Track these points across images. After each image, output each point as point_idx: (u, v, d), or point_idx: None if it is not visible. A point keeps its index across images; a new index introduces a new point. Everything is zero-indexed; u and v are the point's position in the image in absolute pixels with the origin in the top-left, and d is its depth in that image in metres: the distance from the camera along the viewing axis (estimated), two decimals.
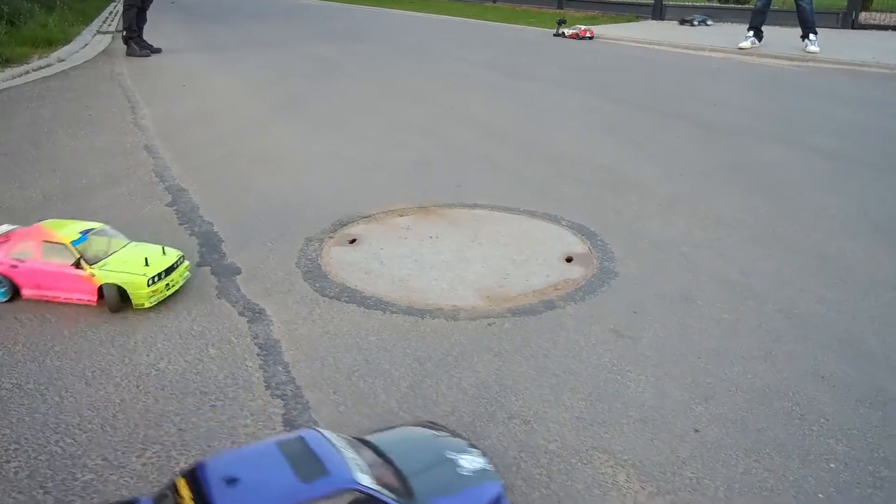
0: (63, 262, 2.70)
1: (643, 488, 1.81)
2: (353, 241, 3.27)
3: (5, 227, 2.98)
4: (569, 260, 3.10)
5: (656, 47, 11.10)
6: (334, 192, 3.98)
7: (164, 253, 2.81)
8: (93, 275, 2.66)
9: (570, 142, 5.21)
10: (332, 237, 3.33)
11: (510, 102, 6.79)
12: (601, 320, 2.61)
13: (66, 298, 2.73)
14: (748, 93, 7.44)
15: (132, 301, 2.67)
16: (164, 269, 2.73)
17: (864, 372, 2.32)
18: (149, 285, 2.66)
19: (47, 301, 2.75)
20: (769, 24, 10.52)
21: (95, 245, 2.77)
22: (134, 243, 2.89)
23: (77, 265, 2.68)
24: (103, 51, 9.92)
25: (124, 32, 9.35)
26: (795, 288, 2.90)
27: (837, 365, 2.36)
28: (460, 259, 3.08)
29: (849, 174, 4.44)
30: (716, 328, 2.58)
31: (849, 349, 2.45)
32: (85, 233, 2.79)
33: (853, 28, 12.55)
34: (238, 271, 3.00)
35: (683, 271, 3.04)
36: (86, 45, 10.39)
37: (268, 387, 2.21)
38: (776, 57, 9.69)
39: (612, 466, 1.89)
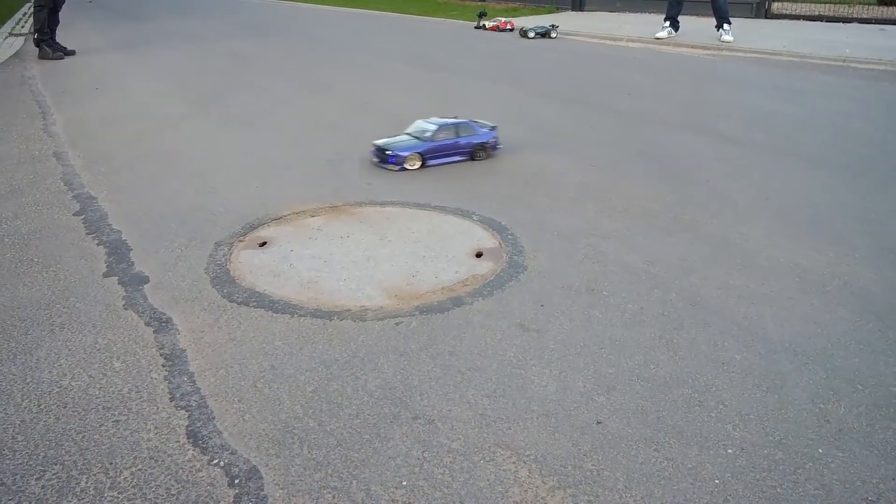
0: None
1: (544, 483, 1.84)
2: (263, 244, 3.25)
3: None
4: (478, 255, 3.13)
5: (575, 38, 11.22)
6: (246, 193, 3.94)
7: None
8: None
9: None
10: (242, 240, 3.30)
11: (427, 95, 6.80)
12: (508, 315, 2.64)
13: None
14: (663, 82, 7.58)
15: None
16: None
17: (761, 356, 2.39)
18: None
19: None
20: (685, 14, 10.72)
21: None
22: None
23: None
24: (15, 54, 9.63)
25: (36, 35, 9.10)
26: (699, 275, 2.97)
27: (736, 350, 2.42)
28: (370, 258, 3.08)
29: (753, 160, 4.56)
30: (620, 318, 2.63)
31: (748, 334, 2.52)
32: None
33: (766, 18, 12.87)
34: (146, 280, 2.96)
35: (590, 262, 3.08)
36: None
37: (172, 398, 2.19)
38: (692, 46, 9.88)
39: (514, 462, 1.91)
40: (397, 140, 4.48)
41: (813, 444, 1.98)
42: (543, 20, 12.79)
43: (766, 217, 3.59)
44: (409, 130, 4.60)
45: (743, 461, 1.92)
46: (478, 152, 4.56)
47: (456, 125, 4.54)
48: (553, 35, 11.31)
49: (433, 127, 4.49)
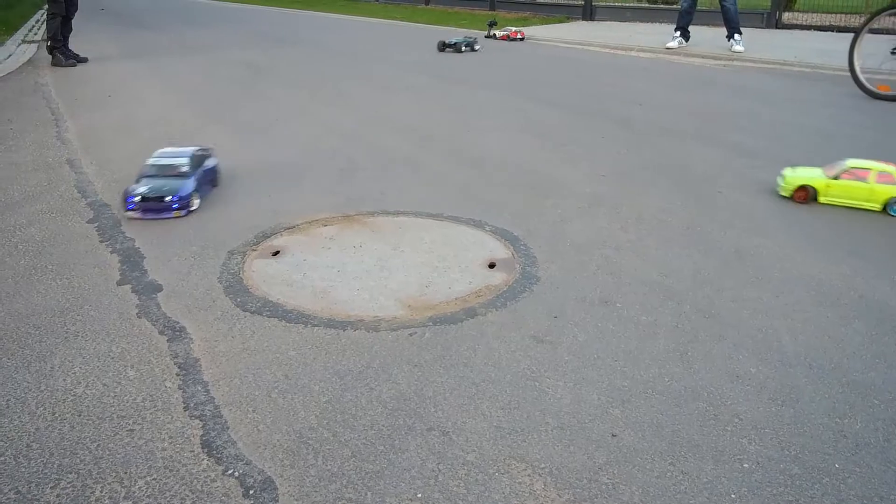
0: None
1: (560, 496, 1.83)
2: (276, 253, 3.25)
3: None
4: (491, 266, 3.13)
5: (586, 48, 11.22)
6: (259, 202, 3.95)
7: None
8: None
9: (496, 144, 5.24)
10: (255, 249, 3.30)
11: (438, 105, 6.81)
12: (522, 326, 2.64)
13: None
14: (674, 92, 7.57)
15: None
16: None
17: (776, 370, 2.38)
18: None
19: None
20: (696, 24, 10.72)
21: None
22: None
23: None
24: (28, 61, 9.67)
25: (49, 42, 9.15)
26: (713, 287, 2.96)
27: (751, 363, 2.41)
28: (383, 268, 3.08)
29: (765, 171, 4.54)
30: (634, 331, 2.62)
31: (762, 347, 2.51)
32: None
33: (777, 28, 12.85)
34: (159, 288, 2.96)
35: (604, 274, 3.08)
36: (10, 55, 10.13)
37: (186, 407, 2.19)
38: (702, 56, 9.88)
39: (529, 475, 1.90)
40: (160, 183, 3.80)
41: (830, 459, 1.97)
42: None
43: (779, 228, 3.58)
44: (152, 172, 3.90)
45: (759, 476, 1.91)
46: (215, 178, 4.22)
47: (198, 153, 4.11)
48: (477, 47, 10.78)
49: (185, 159, 3.96)
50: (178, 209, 3.74)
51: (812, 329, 2.64)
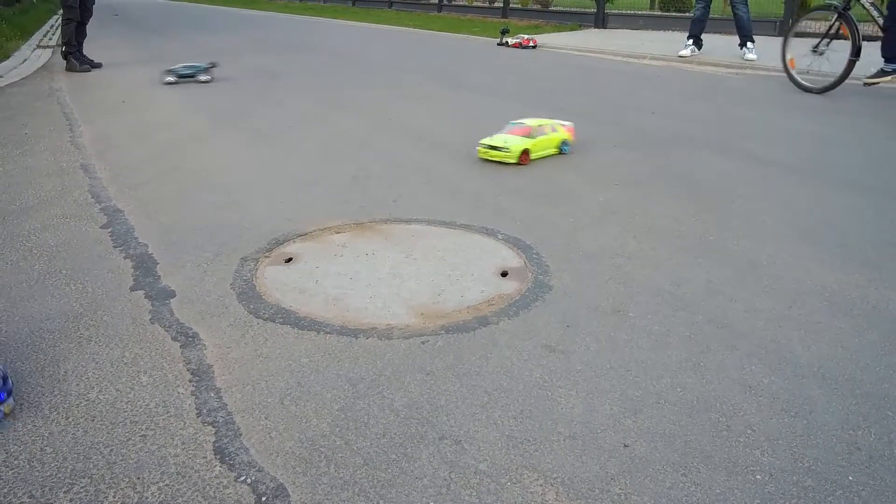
0: None
1: None
2: (288, 260, 3.26)
3: None
4: (504, 274, 3.12)
5: (598, 55, 11.22)
6: (272, 208, 3.96)
7: None
8: None
9: None
10: (267, 256, 3.31)
11: (450, 113, 6.82)
12: (534, 335, 2.63)
13: None
14: (686, 100, 7.57)
15: None
16: None
17: (789, 381, 2.37)
18: None
19: None
20: (709, 32, 10.71)
21: None
22: None
23: None
24: (43, 66, 9.76)
25: (63, 48, 9.23)
26: (725, 297, 2.95)
27: (764, 374, 2.40)
28: (395, 276, 3.08)
29: (780, 180, 4.54)
30: (646, 340, 2.61)
31: (775, 358, 2.50)
32: None
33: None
34: (172, 294, 2.97)
35: (616, 283, 3.07)
36: (24, 60, 10.23)
37: (199, 414, 2.19)
38: (715, 64, 9.86)
39: (541, 485, 1.90)
40: None
41: (843, 471, 1.96)
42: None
43: (793, 239, 3.57)
44: None
45: (772, 488, 1.90)
46: None
47: None
48: (203, 78, 8.53)
49: None
50: (4, 401, 2.25)
51: (825, 340, 2.63)
